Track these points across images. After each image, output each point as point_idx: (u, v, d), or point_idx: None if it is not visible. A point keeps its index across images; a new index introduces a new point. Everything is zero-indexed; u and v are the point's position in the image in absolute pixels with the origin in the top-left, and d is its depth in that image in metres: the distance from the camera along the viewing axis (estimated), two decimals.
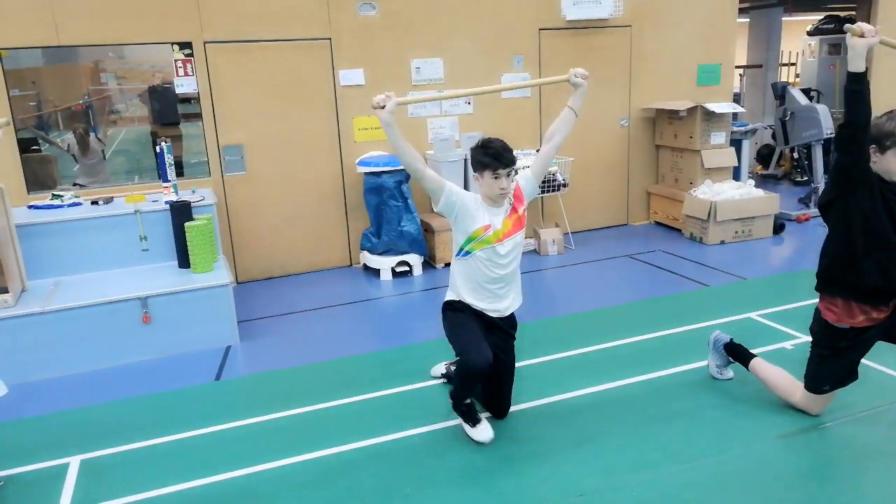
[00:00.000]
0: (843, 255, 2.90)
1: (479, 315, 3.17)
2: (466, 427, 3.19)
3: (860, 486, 2.75)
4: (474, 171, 3.08)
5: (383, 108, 2.88)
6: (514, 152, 3.08)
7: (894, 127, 2.72)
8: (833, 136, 7.46)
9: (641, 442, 3.11)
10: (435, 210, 3.17)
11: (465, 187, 5.99)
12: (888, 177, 2.80)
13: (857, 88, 2.65)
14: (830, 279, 2.97)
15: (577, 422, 3.31)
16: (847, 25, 2.66)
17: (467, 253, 3.10)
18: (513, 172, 3.04)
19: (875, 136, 2.76)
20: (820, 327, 3.06)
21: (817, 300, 3.07)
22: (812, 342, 3.14)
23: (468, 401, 3.18)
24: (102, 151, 5.67)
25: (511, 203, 3.13)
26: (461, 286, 3.17)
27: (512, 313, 3.27)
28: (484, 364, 2.93)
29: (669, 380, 3.70)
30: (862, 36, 2.59)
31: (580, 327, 4.56)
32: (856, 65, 2.63)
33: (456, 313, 3.19)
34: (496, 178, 2.99)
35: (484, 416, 3.28)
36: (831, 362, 3.05)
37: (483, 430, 3.15)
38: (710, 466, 2.91)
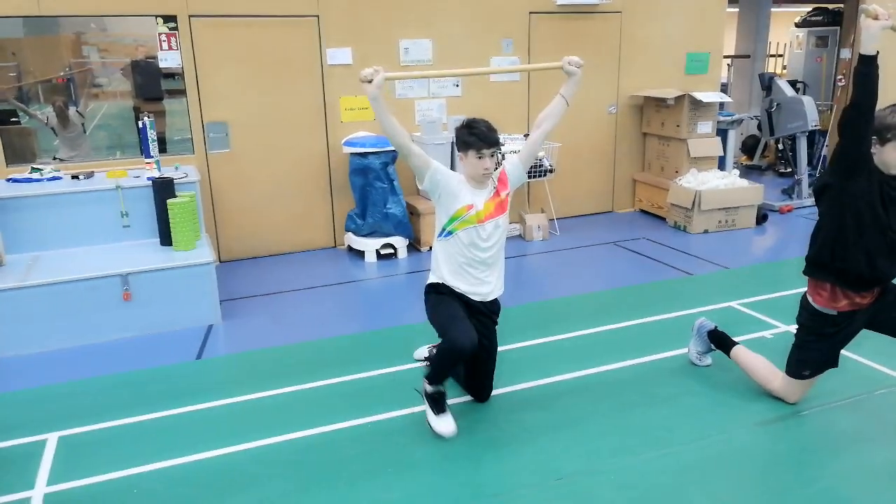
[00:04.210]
0: (833, 241, 2.90)
1: (461, 298, 3.14)
2: (429, 415, 3.07)
3: (836, 473, 2.80)
4: (458, 150, 3.08)
5: (370, 81, 2.87)
6: (502, 136, 3.08)
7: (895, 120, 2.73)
8: (817, 128, 7.51)
9: (621, 427, 3.14)
10: (419, 187, 3.15)
11: (452, 169, 5.94)
12: (886, 169, 2.81)
13: (866, 71, 2.64)
14: (820, 264, 2.97)
15: (558, 406, 3.33)
16: (862, 7, 2.67)
17: (449, 233, 3.07)
18: (497, 153, 3.04)
19: (877, 127, 2.77)
20: (808, 313, 3.07)
21: (804, 287, 3.09)
22: (798, 327, 3.15)
23: (441, 388, 3.08)
24: (83, 125, 5.57)
25: (495, 186, 3.11)
26: (443, 267, 3.14)
27: (495, 299, 3.25)
28: (468, 343, 2.86)
29: (650, 366, 3.73)
30: (876, 18, 2.61)
31: (563, 313, 4.58)
32: (867, 47, 2.64)
33: (439, 295, 3.16)
34: (480, 157, 2.99)
35: (464, 398, 3.29)
36: (815, 347, 3.08)
37: (446, 423, 3.03)
38: (688, 452, 2.94)
